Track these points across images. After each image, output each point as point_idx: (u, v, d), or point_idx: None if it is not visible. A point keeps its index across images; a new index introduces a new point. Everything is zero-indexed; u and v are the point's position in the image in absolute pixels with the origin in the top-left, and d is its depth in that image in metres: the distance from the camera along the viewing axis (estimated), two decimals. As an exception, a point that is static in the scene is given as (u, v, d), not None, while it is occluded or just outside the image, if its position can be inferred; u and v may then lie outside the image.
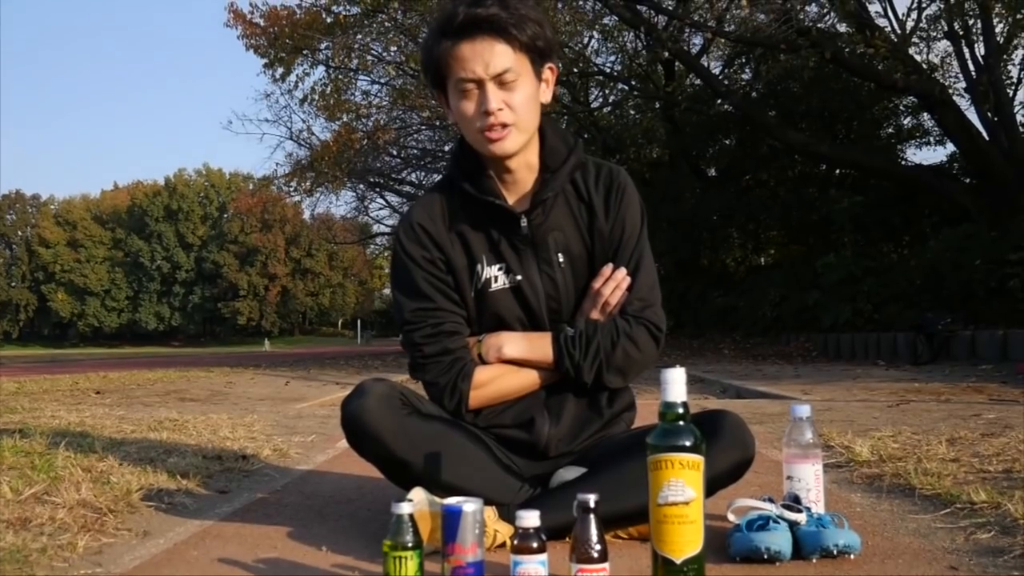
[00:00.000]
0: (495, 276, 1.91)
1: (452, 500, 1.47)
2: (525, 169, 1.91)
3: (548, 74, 1.91)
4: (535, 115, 1.88)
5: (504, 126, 1.81)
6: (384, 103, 16.73)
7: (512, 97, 1.81)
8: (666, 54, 13.55)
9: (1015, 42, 12.06)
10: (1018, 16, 10.82)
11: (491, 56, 1.78)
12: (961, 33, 11.49)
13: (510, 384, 1.91)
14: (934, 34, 12.32)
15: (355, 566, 1.69)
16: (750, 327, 13.76)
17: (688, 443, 1.38)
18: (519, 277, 1.90)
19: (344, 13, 13.68)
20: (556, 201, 1.92)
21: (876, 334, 10.07)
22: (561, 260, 1.91)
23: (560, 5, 12.40)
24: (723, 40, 14.13)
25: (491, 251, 1.91)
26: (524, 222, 1.89)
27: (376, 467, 1.87)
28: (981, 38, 11.24)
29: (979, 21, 11.10)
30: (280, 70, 15.47)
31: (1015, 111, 11.30)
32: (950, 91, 12.08)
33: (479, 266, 1.91)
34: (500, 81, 1.80)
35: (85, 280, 63.63)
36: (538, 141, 1.93)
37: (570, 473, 1.88)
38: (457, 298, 1.91)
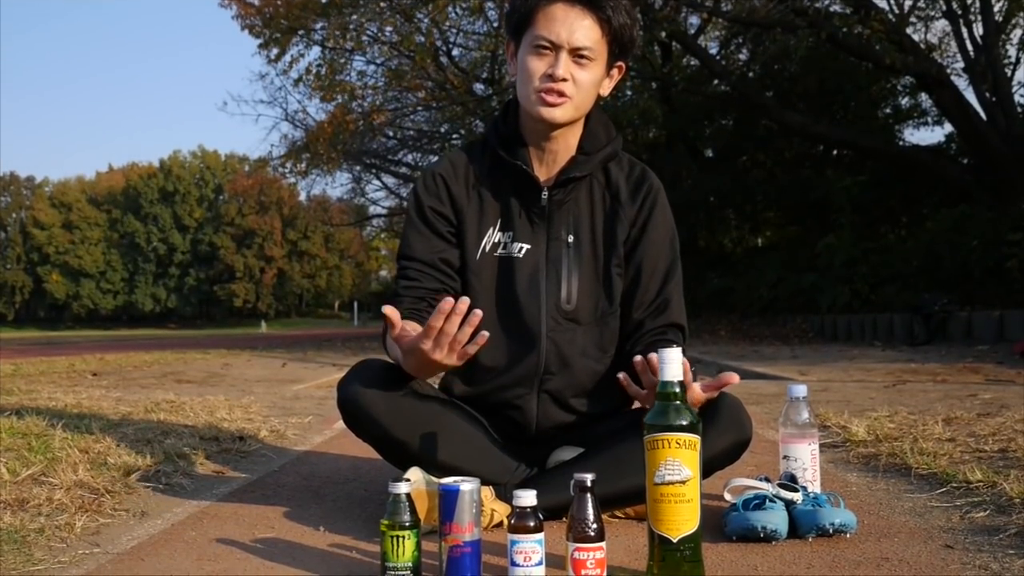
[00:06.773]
0: (502, 243, 1.92)
1: (449, 479, 1.47)
2: (562, 147, 1.91)
3: (616, 71, 1.92)
4: (591, 100, 1.88)
5: (562, 95, 1.81)
6: (380, 84, 16.63)
7: (580, 74, 1.82)
8: (663, 34, 13.47)
9: (1013, 21, 12.02)
10: (1016, -5, 10.78)
11: (579, 27, 1.79)
12: (959, 12, 11.44)
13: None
14: (932, 13, 12.30)
15: (353, 545, 1.70)
16: (747, 308, 13.78)
17: (685, 422, 1.38)
18: (526, 247, 1.90)
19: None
20: (582, 184, 1.93)
21: (873, 315, 10.10)
22: (570, 240, 1.91)
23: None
24: (720, 20, 14.05)
25: (504, 218, 1.92)
26: (545, 195, 1.90)
27: (373, 447, 1.87)
28: (979, 17, 11.20)
29: (977, 0, 11.05)
30: (275, 50, 15.35)
31: (1013, 91, 11.27)
32: (948, 71, 12.04)
33: (491, 229, 1.92)
34: (576, 55, 1.80)
35: (80, 262, 63.38)
36: (582, 125, 1.93)
37: (567, 453, 1.89)
38: (447, 258, 1.90)
